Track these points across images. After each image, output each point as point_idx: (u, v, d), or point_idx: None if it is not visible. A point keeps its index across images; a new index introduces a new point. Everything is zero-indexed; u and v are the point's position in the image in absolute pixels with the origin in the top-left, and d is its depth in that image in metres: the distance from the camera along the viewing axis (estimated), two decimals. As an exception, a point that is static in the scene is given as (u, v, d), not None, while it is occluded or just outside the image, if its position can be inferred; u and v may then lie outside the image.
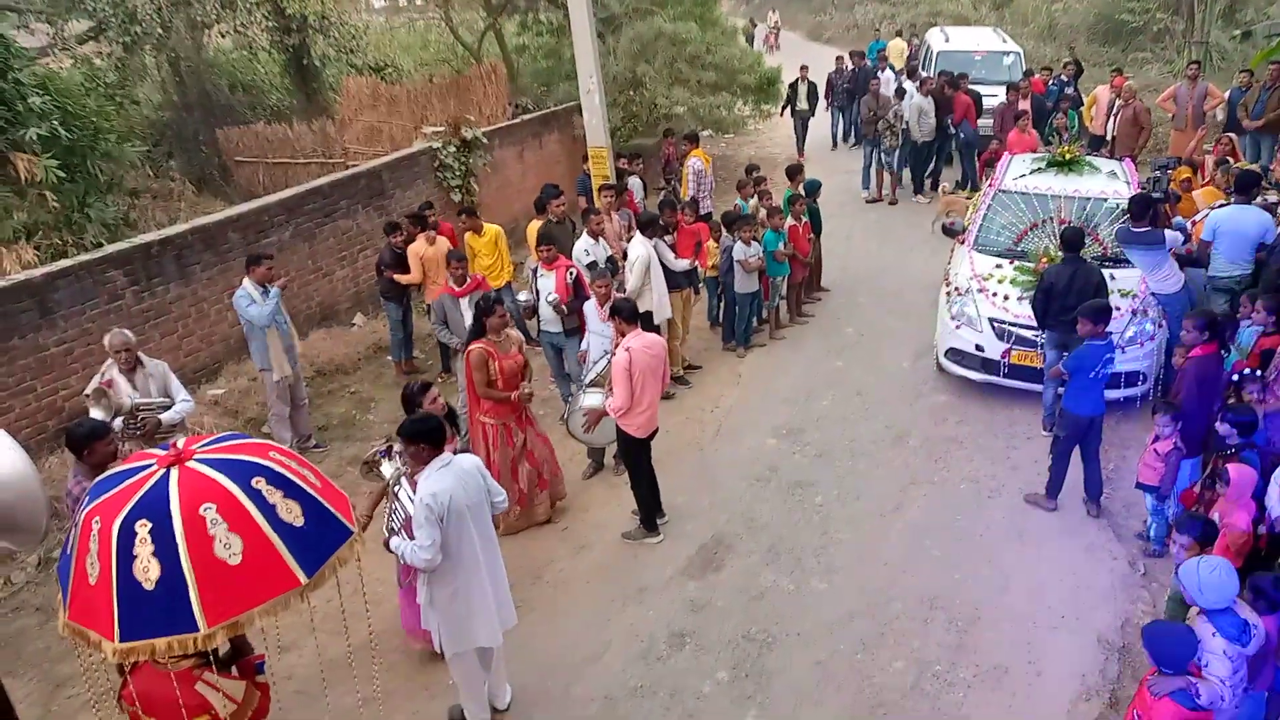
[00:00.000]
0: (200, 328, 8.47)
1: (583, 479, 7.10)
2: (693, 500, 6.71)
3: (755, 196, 9.73)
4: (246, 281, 7.05)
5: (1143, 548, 5.92)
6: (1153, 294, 7.19)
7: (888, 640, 5.30)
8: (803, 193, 9.65)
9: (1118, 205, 7.86)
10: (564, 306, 7.27)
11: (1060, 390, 6.43)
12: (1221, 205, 7.63)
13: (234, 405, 8.08)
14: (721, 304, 9.28)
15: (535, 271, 7.70)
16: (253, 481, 3.11)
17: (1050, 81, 13.98)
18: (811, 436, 7.49)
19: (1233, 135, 10.04)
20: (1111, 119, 12.12)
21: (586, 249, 8.02)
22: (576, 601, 5.79)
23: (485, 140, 11.83)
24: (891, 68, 16.81)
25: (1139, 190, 8.10)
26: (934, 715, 4.81)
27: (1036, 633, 5.28)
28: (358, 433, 8.05)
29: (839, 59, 17.13)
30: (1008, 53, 15.92)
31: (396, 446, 4.79)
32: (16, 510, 3.84)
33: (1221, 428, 5.03)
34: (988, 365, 7.62)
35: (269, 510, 3.09)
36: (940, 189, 12.33)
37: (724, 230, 8.82)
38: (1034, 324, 7.13)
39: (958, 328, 7.74)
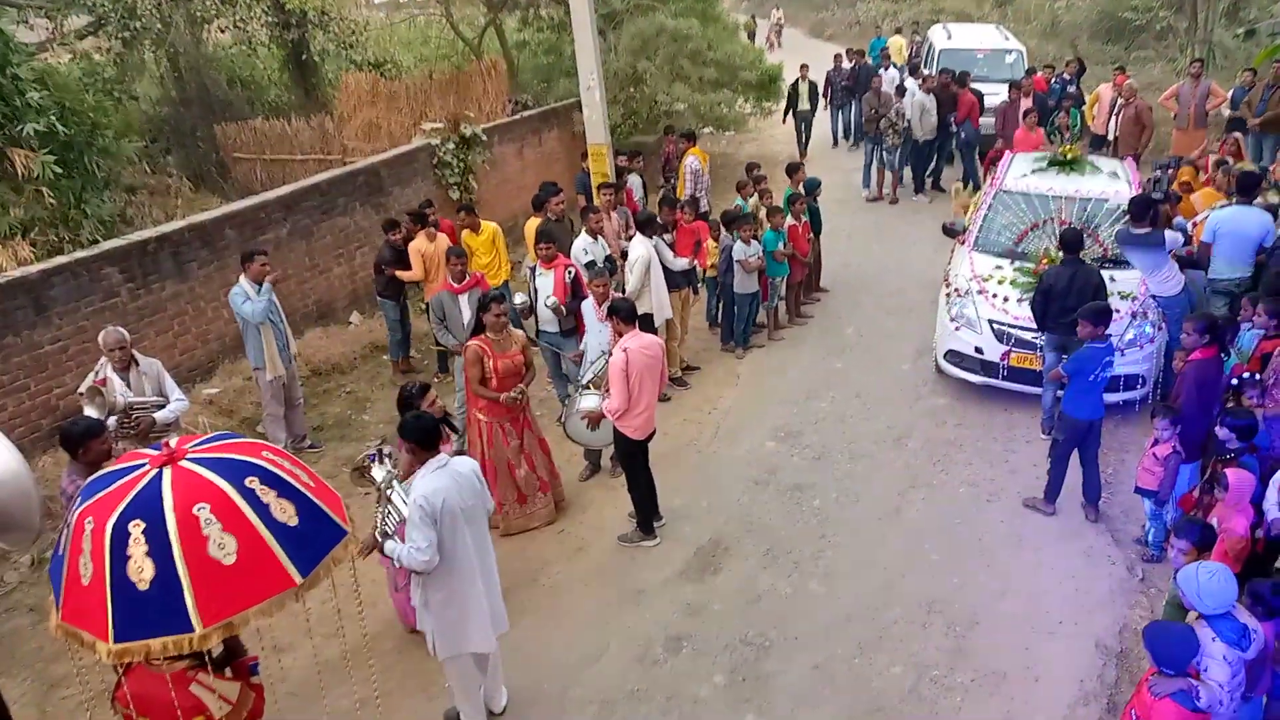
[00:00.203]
0: (196, 326, 8.42)
1: (579, 481, 7.07)
2: (690, 502, 6.69)
3: (755, 195, 9.69)
4: (242, 278, 7.02)
5: (1141, 552, 5.90)
6: (1152, 296, 7.16)
7: (886, 644, 5.28)
8: (802, 191, 9.61)
9: (1119, 206, 7.83)
10: (562, 308, 7.24)
11: (1059, 393, 6.41)
12: (1223, 206, 7.59)
13: (229, 404, 8.04)
14: (720, 304, 9.24)
15: (533, 271, 7.66)
16: (246, 481, 3.09)
17: (1052, 80, 13.95)
18: (810, 438, 7.46)
19: (1239, 135, 9.98)
20: (1114, 118, 12.10)
21: (585, 247, 7.98)
22: (573, 604, 5.77)
23: (484, 137, 11.79)
24: (894, 65, 16.77)
25: (1139, 191, 8.07)
26: (931, 720, 4.80)
27: (1034, 637, 5.26)
28: (353, 433, 8.02)
29: (837, 57, 17.09)
30: (1010, 51, 15.84)
31: (386, 449, 4.78)
32: (10, 508, 3.84)
33: (1221, 432, 5.02)
34: (987, 367, 7.59)
35: (263, 510, 3.07)
36: (953, 189, 12.15)
37: (723, 229, 8.75)
38: (1033, 326, 7.10)
39: (957, 329, 7.71)
